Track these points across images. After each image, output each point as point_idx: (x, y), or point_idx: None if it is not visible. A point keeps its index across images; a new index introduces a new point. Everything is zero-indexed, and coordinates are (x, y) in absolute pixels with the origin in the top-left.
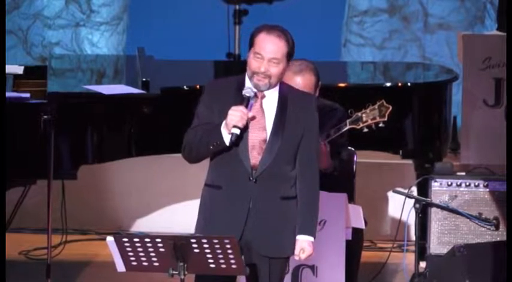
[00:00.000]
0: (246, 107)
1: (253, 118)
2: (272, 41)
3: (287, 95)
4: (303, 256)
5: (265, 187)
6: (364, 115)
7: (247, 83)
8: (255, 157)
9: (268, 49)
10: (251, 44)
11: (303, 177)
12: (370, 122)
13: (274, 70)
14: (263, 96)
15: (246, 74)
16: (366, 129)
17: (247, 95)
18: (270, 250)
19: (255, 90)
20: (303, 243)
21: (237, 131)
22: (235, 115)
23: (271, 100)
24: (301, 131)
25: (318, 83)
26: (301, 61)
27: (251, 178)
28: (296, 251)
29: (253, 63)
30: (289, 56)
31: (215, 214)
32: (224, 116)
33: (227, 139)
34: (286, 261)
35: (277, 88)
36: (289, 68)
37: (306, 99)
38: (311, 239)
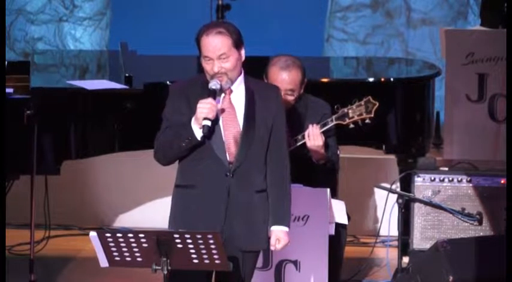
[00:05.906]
0: (214, 99)
1: (223, 111)
2: (213, 40)
3: (252, 88)
4: (279, 246)
5: (241, 181)
6: (350, 111)
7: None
8: (231, 152)
9: (212, 49)
10: (199, 50)
11: (274, 167)
12: (356, 118)
13: (227, 65)
14: (231, 92)
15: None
16: (352, 126)
17: (213, 87)
18: (244, 244)
19: (219, 82)
20: (279, 233)
21: (208, 123)
22: (205, 107)
23: (239, 94)
24: (271, 121)
25: (304, 80)
26: (287, 57)
27: (228, 173)
28: (272, 241)
29: (206, 67)
30: (237, 45)
31: (192, 214)
32: (193, 114)
33: (198, 133)
34: (258, 255)
35: (242, 81)
36: (275, 63)
37: (271, 90)
38: (286, 229)
